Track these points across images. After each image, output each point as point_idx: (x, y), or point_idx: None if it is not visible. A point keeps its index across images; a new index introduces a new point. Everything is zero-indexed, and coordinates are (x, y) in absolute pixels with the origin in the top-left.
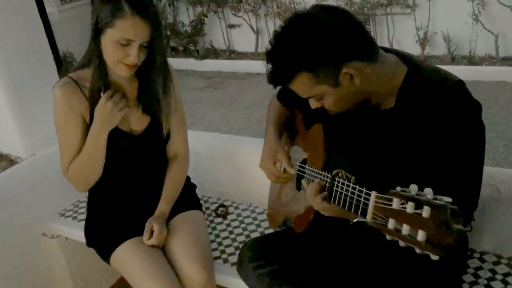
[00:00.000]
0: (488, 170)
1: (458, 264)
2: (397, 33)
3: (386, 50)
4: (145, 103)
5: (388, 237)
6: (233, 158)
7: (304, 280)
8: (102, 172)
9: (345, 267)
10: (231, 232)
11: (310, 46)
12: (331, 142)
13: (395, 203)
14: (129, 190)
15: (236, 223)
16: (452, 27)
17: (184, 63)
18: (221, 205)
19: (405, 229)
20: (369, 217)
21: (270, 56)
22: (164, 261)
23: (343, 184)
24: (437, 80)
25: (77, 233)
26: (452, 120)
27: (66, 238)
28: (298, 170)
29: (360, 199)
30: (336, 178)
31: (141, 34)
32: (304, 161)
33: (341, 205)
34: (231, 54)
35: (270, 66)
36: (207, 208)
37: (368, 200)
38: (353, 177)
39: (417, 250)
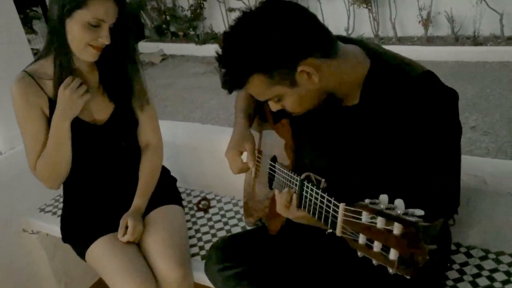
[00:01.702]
0: (474, 161)
1: (440, 260)
2: (400, 14)
3: (347, 41)
4: (109, 89)
5: (359, 254)
6: (215, 149)
7: (273, 283)
8: (73, 166)
9: (318, 271)
10: (211, 227)
11: (261, 46)
12: (299, 139)
13: (364, 217)
14: (103, 184)
15: (217, 217)
16: (456, 6)
17: (184, 48)
18: (204, 199)
19: (376, 245)
20: (338, 231)
21: (221, 60)
22: (139, 258)
23: (311, 190)
24: (402, 72)
25: (57, 229)
26: (419, 113)
27: (47, 234)
28: (270, 168)
29: (329, 210)
30: (305, 183)
31: (112, 14)
32: (274, 158)
33: (311, 214)
34: None
35: (223, 70)
36: (189, 202)
37: (337, 212)
38: (323, 180)
39: (390, 270)
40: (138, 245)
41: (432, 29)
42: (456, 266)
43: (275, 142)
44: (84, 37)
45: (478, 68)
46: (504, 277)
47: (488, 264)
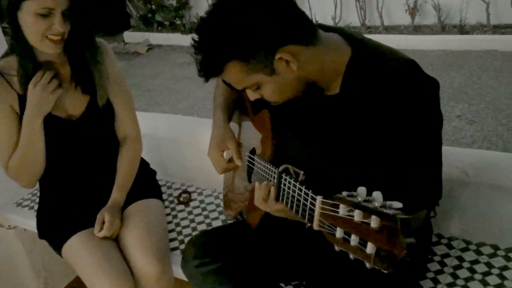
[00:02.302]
0: (456, 151)
1: (421, 252)
2: (386, 3)
3: (328, 29)
4: (81, 82)
5: (336, 248)
6: (197, 141)
7: (252, 278)
8: (49, 162)
9: (297, 265)
10: (192, 221)
11: (237, 32)
12: (279, 130)
13: (342, 210)
14: (80, 178)
15: (198, 210)
16: None
17: (170, 38)
18: (184, 191)
19: (354, 239)
20: (315, 225)
21: (196, 46)
22: (116, 253)
23: (289, 183)
24: (383, 61)
25: (35, 224)
26: (399, 103)
27: (25, 229)
28: (249, 161)
29: (306, 203)
30: (283, 176)
31: (60, 0)
32: (253, 151)
33: (289, 207)
34: None
35: (199, 57)
36: (170, 195)
37: (314, 205)
38: (302, 172)
39: (367, 265)
40: (116, 240)
41: (419, 18)
42: (437, 258)
43: (254, 134)
44: (37, 28)
45: (464, 56)
46: (485, 269)
47: (469, 256)
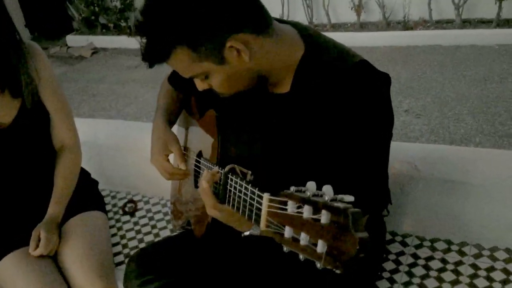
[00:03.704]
0: (406, 147)
1: (376, 251)
2: (333, 1)
3: (281, 21)
4: (8, 85)
5: (285, 249)
6: (140, 147)
7: None
8: None
9: (247, 274)
10: (138, 232)
11: (187, 15)
12: (225, 131)
13: (290, 207)
14: (13, 192)
15: (145, 221)
16: None
17: (116, 40)
18: (130, 201)
19: (303, 238)
20: (262, 225)
21: (141, 28)
22: (54, 273)
23: (236, 183)
24: (336, 60)
25: None
26: (351, 105)
27: None
28: (195, 165)
29: (253, 202)
30: (229, 176)
31: None
32: (200, 154)
33: (235, 209)
34: None
35: (143, 40)
36: (114, 205)
37: (261, 204)
38: (250, 172)
39: (318, 265)
40: (55, 259)
41: (364, 15)
42: (392, 256)
43: (202, 137)
44: None
45: (409, 52)
46: (440, 265)
47: (424, 252)
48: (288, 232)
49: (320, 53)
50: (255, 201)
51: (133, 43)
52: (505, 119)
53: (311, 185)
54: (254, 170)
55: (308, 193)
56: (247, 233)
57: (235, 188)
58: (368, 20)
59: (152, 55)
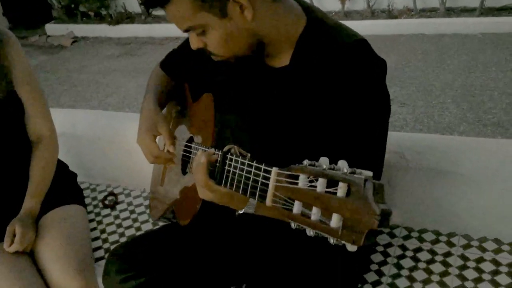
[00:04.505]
0: (393, 136)
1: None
2: None
3: None
4: None
5: (292, 225)
6: (120, 138)
7: None
8: None
9: (235, 266)
10: (119, 225)
11: None
12: (222, 114)
13: (302, 181)
14: None
15: (126, 214)
16: None
17: (96, 29)
18: (110, 194)
19: (315, 213)
20: (268, 200)
21: None
22: (31, 270)
23: (236, 162)
24: (336, 37)
25: None
26: (349, 82)
27: None
28: (185, 151)
29: (258, 178)
30: (228, 156)
31: None
32: (190, 139)
33: (234, 188)
34: (147, 17)
35: None
36: (94, 198)
37: (267, 179)
38: (249, 154)
39: (331, 240)
40: (31, 255)
41: (349, 4)
42: (380, 248)
43: (194, 123)
44: None
45: (394, 41)
46: (428, 256)
47: (412, 243)
48: (297, 207)
49: (322, 28)
50: (261, 177)
51: (114, 31)
52: (489, 107)
53: (324, 160)
54: (251, 151)
55: (324, 166)
56: (241, 211)
57: (234, 167)
58: (352, 9)
59: None
